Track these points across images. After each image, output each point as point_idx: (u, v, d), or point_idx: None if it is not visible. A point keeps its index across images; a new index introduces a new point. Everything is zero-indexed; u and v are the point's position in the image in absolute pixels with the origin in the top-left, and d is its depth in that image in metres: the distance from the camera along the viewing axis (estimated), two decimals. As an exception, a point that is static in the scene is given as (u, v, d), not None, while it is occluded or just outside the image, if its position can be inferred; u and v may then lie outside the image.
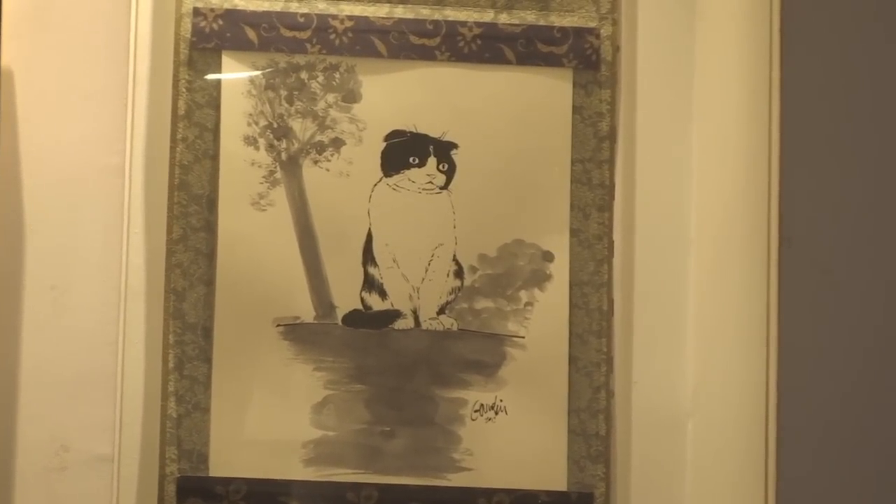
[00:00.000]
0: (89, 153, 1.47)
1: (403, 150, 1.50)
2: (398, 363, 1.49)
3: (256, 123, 1.48)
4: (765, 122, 1.34)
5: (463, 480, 1.47)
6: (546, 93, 1.52)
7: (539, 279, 1.51)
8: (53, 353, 1.45)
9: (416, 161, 1.50)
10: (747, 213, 1.37)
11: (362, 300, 1.49)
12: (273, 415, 1.46)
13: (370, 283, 1.50)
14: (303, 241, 1.48)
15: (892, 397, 1.23)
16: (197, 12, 1.47)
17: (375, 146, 1.50)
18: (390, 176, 1.50)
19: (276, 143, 1.49)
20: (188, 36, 1.47)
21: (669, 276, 1.52)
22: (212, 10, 1.47)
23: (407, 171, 1.50)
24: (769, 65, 1.34)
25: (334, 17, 1.49)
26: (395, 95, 1.50)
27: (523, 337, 1.50)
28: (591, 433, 1.49)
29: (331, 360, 1.47)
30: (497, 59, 1.51)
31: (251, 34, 1.48)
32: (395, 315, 1.50)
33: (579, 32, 1.51)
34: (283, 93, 1.49)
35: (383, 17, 1.50)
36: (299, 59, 1.49)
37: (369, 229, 1.49)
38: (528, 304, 1.51)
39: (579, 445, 1.49)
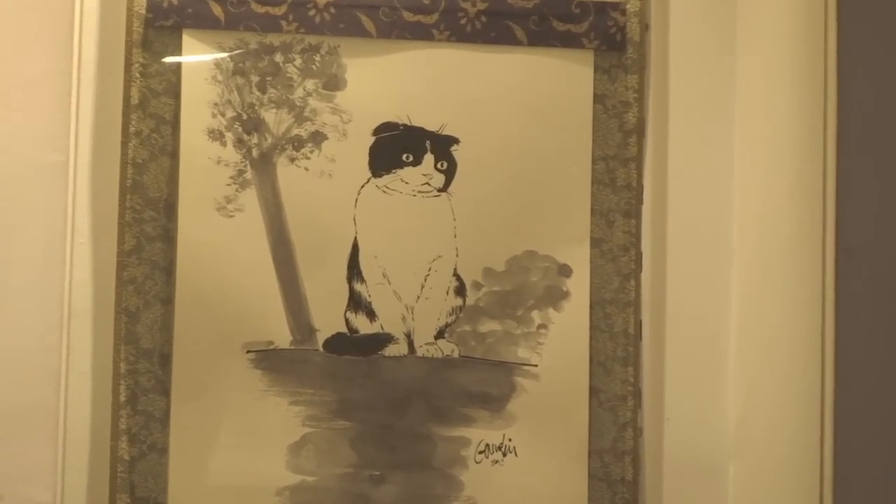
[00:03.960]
0: (26, 149, 1.46)
1: (395, 146, 1.48)
2: (389, 396, 1.47)
3: (223, 115, 1.46)
4: (819, 112, 1.40)
5: (465, 534, 1.48)
6: (563, 79, 1.50)
7: (554, 297, 1.49)
8: (-16, 385, 1.45)
9: (411, 159, 1.48)
10: (799, 219, 1.41)
11: (347, 322, 1.47)
12: (242, 457, 1.45)
13: (356, 303, 1.47)
14: (277, 253, 1.46)
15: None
16: (153, -16, 1.46)
17: (362, 141, 1.48)
18: (380, 176, 1.48)
19: (245, 137, 1.46)
20: (142, 12, 1.45)
21: (707, 293, 1.50)
22: (170, -19, 1.47)
23: (400, 171, 1.48)
24: (824, 48, 1.40)
25: (314, -11, 1.49)
26: (385, 82, 1.48)
27: (536, 365, 1.49)
28: (616, 478, 1.48)
29: (310, 393, 1.46)
30: (505, 39, 1.49)
31: (216, 10, 1.45)
32: (385, 339, 1.48)
33: (602, 8, 1.50)
34: (255, 78, 1.47)
35: (372, -10, 1.50)
36: (273, 39, 1.47)
37: (355, 239, 1.47)
38: (541, 326, 1.49)
39: (602, 493, 1.48)
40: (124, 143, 1.44)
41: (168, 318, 1.44)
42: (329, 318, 1.46)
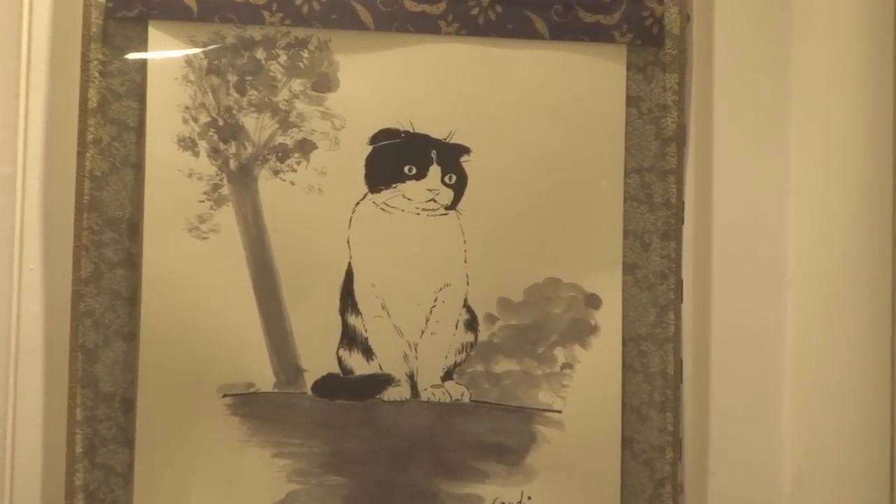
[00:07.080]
0: (-32, 161, 1.43)
1: (396, 157, 1.45)
2: (389, 447, 1.45)
3: (195, 120, 1.43)
4: (888, 117, 1.37)
5: None
6: (591, 78, 1.47)
7: (581, 332, 1.47)
8: (-81, 436, 1.41)
9: (414, 171, 1.45)
10: (866, 244, 1.39)
11: (340, 361, 1.44)
12: (219, 518, 1.41)
13: (350, 339, 1.44)
14: (259, 281, 1.43)
15: None
16: (113, -32, 1.42)
17: (358, 151, 1.44)
18: (378, 191, 1.45)
19: (222, 146, 1.43)
20: (102, 1, 1.41)
21: (759, 328, 1.49)
22: (135, -36, 1.43)
23: (401, 186, 1.45)
24: (893, 41, 1.38)
25: (302, -26, 1.44)
26: (384, 82, 1.45)
27: (560, 411, 1.46)
28: (653, 543, 1.44)
29: (297, 444, 1.44)
30: (524, 31, 1.47)
31: (188, -2, 1.41)
32: (384, 381, 1.45)
33: (636, -4, 1.47)
34: (232, 78, 1.44)
35: (369, -24, 1.45)
36: (254, 33, 1.44)
37: (349, 264, 1.44)
38: (565, 366, 1.47)
39: (637, 560, 1.44)
40: (81, 154, 1.41)
41: (131, 357, 1.41)
42: (319, 356, 1.43)
